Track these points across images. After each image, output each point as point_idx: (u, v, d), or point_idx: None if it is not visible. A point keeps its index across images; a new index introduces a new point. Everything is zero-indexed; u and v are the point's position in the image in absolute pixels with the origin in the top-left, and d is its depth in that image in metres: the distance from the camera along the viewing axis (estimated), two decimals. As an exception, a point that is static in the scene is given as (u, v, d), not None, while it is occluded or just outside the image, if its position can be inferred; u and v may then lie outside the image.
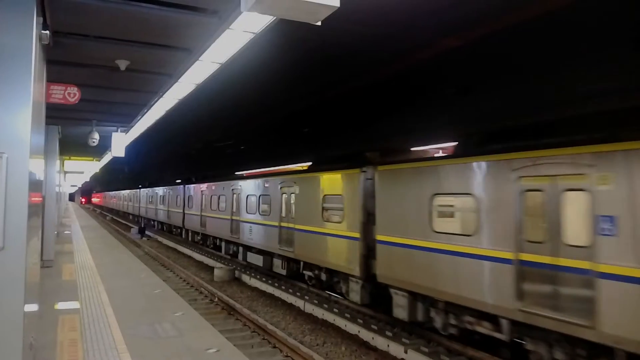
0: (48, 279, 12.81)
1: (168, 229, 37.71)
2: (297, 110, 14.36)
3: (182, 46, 6.99)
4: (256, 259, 19.75)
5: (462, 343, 10.54)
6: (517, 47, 8.70)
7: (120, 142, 14.02)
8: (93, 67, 8.19)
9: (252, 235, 20.16)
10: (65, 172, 31.54)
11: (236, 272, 20.57)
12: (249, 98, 13.08)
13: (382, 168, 12.58)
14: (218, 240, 25.83)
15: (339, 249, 13.95)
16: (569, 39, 8.08)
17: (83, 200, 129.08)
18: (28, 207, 5.04)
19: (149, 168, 41.16)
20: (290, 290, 16.56)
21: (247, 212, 20.89)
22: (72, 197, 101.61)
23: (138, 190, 50.22)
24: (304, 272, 16.40)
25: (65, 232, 28.58)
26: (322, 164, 15.92)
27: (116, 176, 55.07)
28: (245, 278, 19.71)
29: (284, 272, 17.72)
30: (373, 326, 12.22)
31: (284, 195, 17.61)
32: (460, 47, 8.54)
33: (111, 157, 23.38)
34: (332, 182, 14.76)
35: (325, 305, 14.42)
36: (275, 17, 5.29)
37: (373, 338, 11.71)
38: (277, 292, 16.95)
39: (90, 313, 9.58)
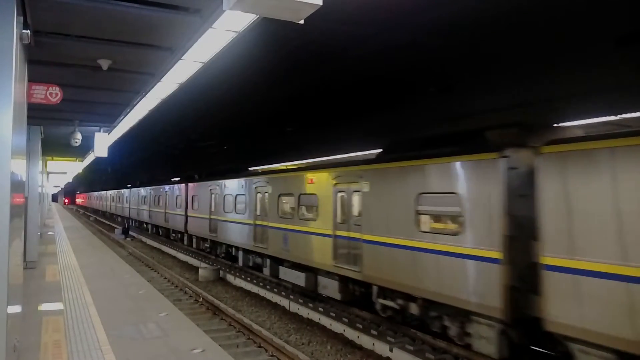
0: (31, 281, 12.69)
1: (165, 234, 33.61)
2: (282, 109, 14.35)
3: (165, 45, 6.97)
4: (293, 276, 15.66)
5: (447, 341, 10.63)
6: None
7: (103, 143, 13.91)
8: (75, 66, 8.14)
9: (288, 245, 15.86)
10: (48, 173, 31.21)
11: (221, 272, 20.51)
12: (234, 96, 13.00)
13: (551, 149, 8.19)
14: (234, 249, 21.26)
15: (454, 274, 9.69)
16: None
17: (66, 201, 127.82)
18: (10, 208, 5.01)
19: (137, 167, 39.85)
20: (275, 290, 16.55)
21: (279, 215, 16.62)
22: (55, 198, 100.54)
23: (127, 190, 46.85)
24: (379, 300, 12.15)
25: (49, 233, 28.28)
26: (413, 148, 11.32)
27: (100, 176, 54.28)
28: (230, 278, 19.66)
29: (338, 296, 13.65)
30: (358, 325, 12.27)
31: (340, 194, 13.52)
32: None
33: (94, 158, 23.17)
34: (436, 174, 10.32)
35: (311, 305, 14.44)
36: (257, 16, 5.30)
37: (358, 337, 11.76)
38: (262, 292, 16.94)
39: (74, 314, 9.52)
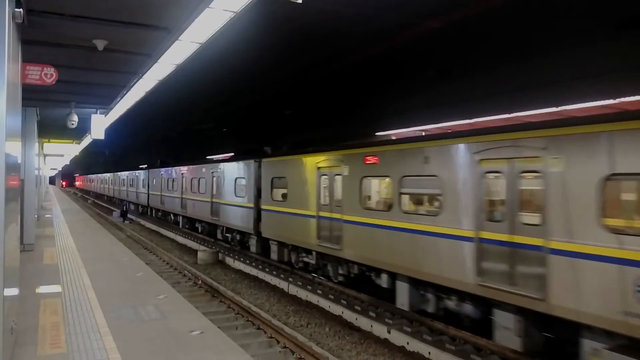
0: (29, 263, 12.67)
1: (190, 225, 28.64)
2: (280, 90, 14.25)
3: (161, 25, 6.85)
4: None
5: (444, 323, 10.68)
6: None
7: (99, 124, 13.78)
8: (70, 47, 8.00)
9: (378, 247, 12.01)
10: (45, 155, 31.08)
11: (220, 254, 20.54)
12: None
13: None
14: (290, 248, 16.91)
15: None
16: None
17: (64, 183, 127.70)
18: (5, 191, 4.96)
19: (146, 147, 39.93)
20: (274, 272, 16.59)
21: (371, 206, 12.90)
22: (52, 181, 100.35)
23: (136, 172, 43.02)
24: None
25: (46, 215, 28.26)
26: None
27: (104, 158, 53.40)
28: (229, 260, 19.70)
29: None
30: (357, 307, 12.30)
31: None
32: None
33: (93, 140, 23.06)
34: None
35: (309, 287, 14.48)
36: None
37: (357, 319, 11.80)
38: (261, 274, 16.98)
39: (72, 297, 9.50)
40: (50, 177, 79.82)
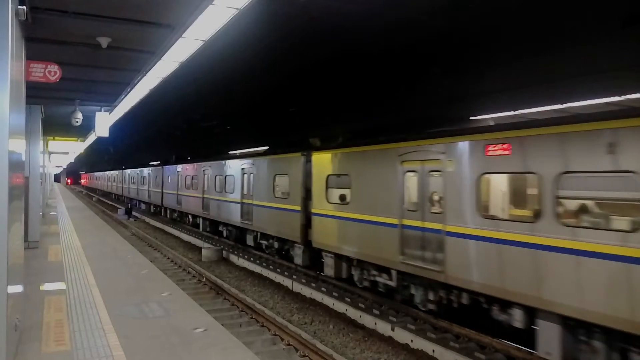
0: (33, 260, 12.71)
1: (213, 228, 25.36)
2: (284, 87, 14.17)
3: (165, 22, 6.84)
4: None
5: (448, 321, 10.65)
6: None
7: (104, 122, 13.81)
8: (74, 44, 8.01)
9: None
10: (50, 153, 31.14)
11: (224, 252, 20.55)
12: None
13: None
14: (355, 263, 13.45)
15: None
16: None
17: (69, 181, 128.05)
18: (9, 188, 4.96)
19: (151, 145, 36.06)
20: (279, 270, 16.59)
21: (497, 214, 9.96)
22: (57, 178, 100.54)
23: (148, 169, 39.35)
24: None
25: (51, 213, 28.35)
26: None
27: (109, 155, 51.54)
28: (233, 258, 19.71)
29: None
30: (360, 305, 12.29)
31: None
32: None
33: (96, 137, 23.10)
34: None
35: (314, 285, 14.47)
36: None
37: (360, 316, 11.79)
38: (265, 272, 16.97)
39: (76, 294, 9.52)
40: (55, 175, 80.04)
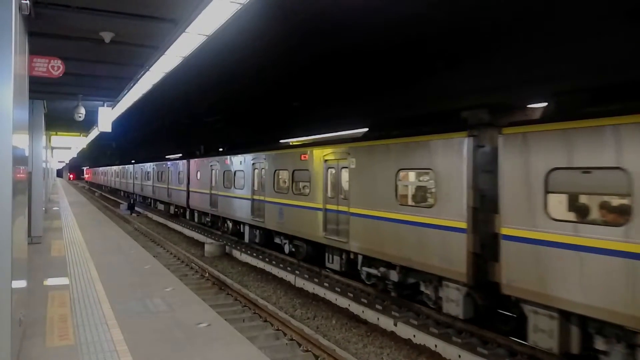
0: (37, 255, 12.73)
1: (266, 240, 19.34)
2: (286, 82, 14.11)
3: (168, 17, 6.82)
4: None
5: (450, 316, 10.65)
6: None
7: (106, 117, 13.79)
8: (77, 39, 7.99)
9: None
10: (52, 148, 31.18)
11: (227, 247, 20.57)
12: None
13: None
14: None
15: None
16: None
17: (71, 176, 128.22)
18: (12, 183, 4.96)
19: (155, 140, 34.27)
20: (281, 265, 16.60)
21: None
22: (60, 173, 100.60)
23: (168, 164, 33.56)
24: None
25: (54, 208, 28.39)
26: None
27: (112, 150, 49.40)
28: (236, 253, 19.73)
29: None
30: (363, 300, 12.30)
31: None
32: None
33: (99, 132, 23.13)
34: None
35: (316, 280, 14.48)
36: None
37: (363, 311, 11.80)
38: (268, 267, 16.99)
39: (80, 289, 9.54)
40: (57, 170, 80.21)
